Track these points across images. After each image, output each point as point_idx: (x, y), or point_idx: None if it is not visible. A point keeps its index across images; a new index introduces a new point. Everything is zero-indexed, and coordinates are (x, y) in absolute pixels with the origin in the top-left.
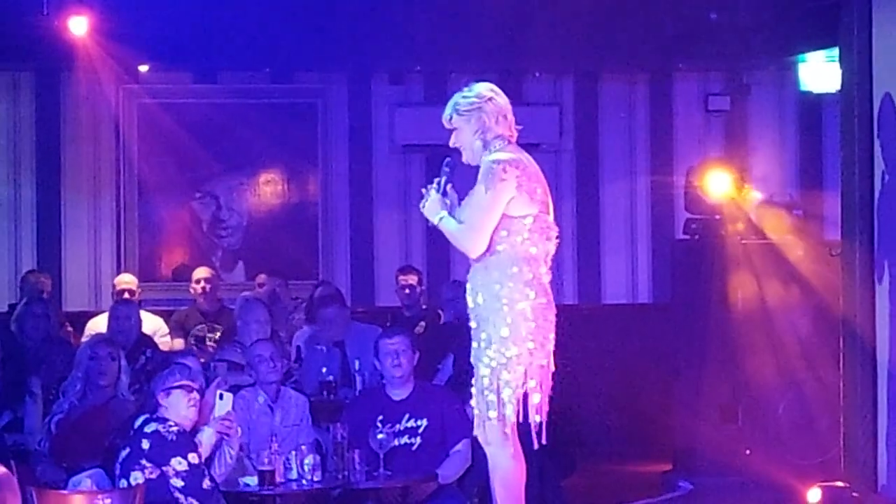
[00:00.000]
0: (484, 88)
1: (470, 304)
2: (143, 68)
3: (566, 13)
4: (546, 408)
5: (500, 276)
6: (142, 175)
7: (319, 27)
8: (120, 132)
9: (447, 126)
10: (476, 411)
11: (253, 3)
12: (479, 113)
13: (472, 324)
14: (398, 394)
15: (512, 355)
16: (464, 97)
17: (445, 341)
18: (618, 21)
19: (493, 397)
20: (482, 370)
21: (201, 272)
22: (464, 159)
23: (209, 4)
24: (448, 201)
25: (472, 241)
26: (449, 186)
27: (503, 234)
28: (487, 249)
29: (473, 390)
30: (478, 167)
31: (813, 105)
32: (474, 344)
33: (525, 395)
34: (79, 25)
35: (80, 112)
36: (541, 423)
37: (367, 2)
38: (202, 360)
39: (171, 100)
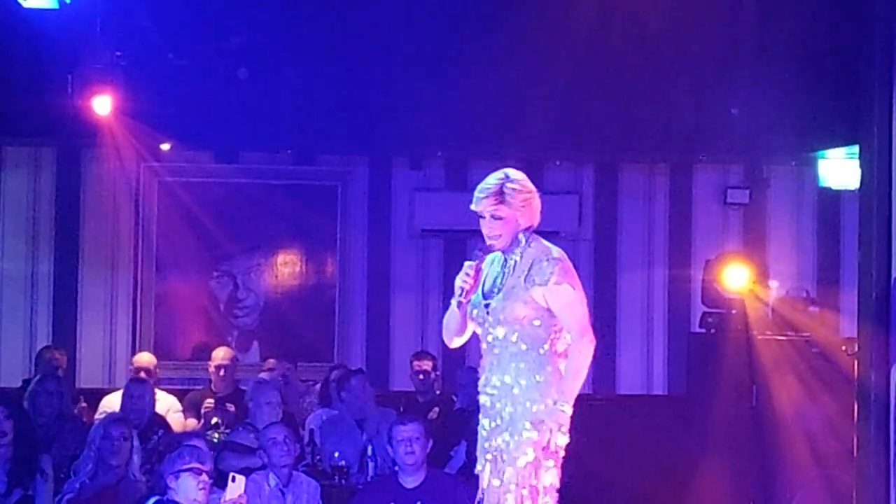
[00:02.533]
0: (524, 178)
1: (496, 383)
2: (165, 147)
3: (588, 103)
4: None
5: (542, 370)
6: (160, 253)
7: (342, 111)
8: (139, 210)
9: (487, 211)
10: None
11: (275, 86)
12: (530, 208)
13: (497, 406)
14: (410, 481)
15: (528, 446)
16: (513, 187)
17: (459, 428)
18: (638, 112)
19: (497, 482)
20: (495, 458)
21: (220, 357)
22: (498, 246)
23: (232, 86)
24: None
25: (590, 337)
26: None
27: (551, 333)
28: (534, 345)
29: (484, 474)
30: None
31: (832, 201)
32: (495, 435)
33: (534, 490)
34: (103, 105)
35: (100, 189)
36: None
37: (389, 87)
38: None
39: (192, 178)
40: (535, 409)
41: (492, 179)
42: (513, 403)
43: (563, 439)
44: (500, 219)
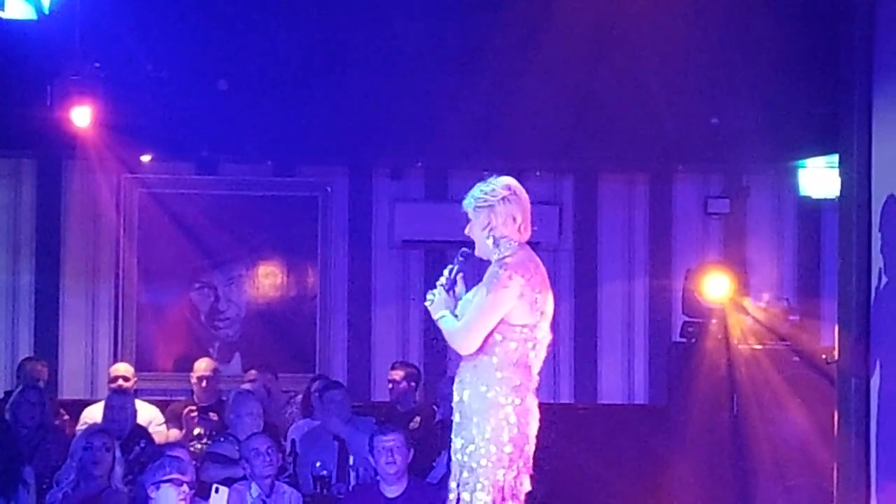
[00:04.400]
0: (502, 185)
1: (455, 398)
2: (145, 159)
3: (567, 114)
4: None
5: (489, 378)
6: (141, 265)
7: (322, 121)
8: (120, 221)
9: (467, 213)
10: None
11: (255, 97)
12: (489, 211)
13: (456, 418)
14: (392, 491)
15: (491, 458)
16: (482, 190)
17: (440, 438)
18: (618, 122)
19: (467, 496)
20: (459, 468)
21: (202, 368)
22: (476, 252)
23: (212, 97)
24: (458, 289)
25: (464, 340)
26: (460, 276)
27: (498, 338)
28: (480, 350)
29: (452, 485)
30: (488, 261)
31: (812, 210)
32: (457, 440)
33: (504, 498)
34: (82, 117)
35: (80, 200)
36: None
37: (369, 98)
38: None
39: (172, 190)
40: (476, 420)
41: None
42: (461, 410)
43: (508, 434)
44: (469, 221)
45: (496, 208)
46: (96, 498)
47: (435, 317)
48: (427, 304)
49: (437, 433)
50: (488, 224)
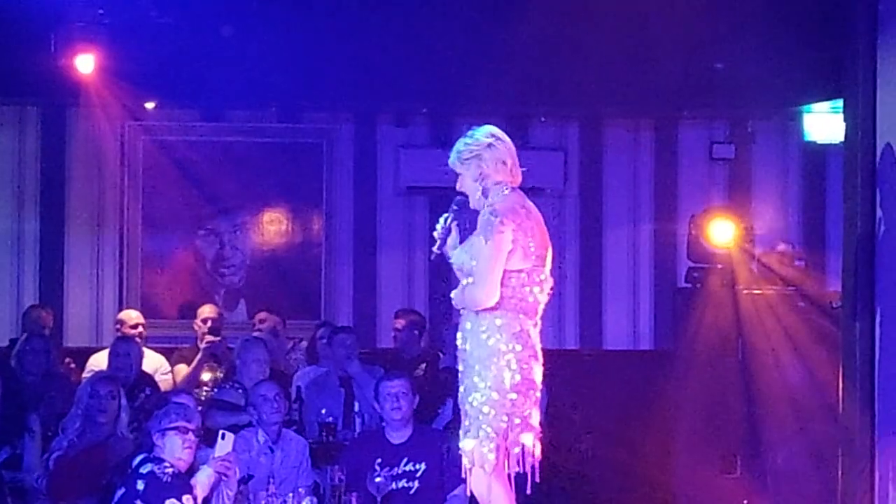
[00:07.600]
0: (483, 134)
1: (459, 347)
2: (150, 105)
3: (572, 59)
4: (532, 458)
5: (489, 326)
6: (146, 212)
7: (327, 68)
8: (125, 168)
9: (454, 170)
10: (465, 460)
11: (260, 43)
12: (478, 160)
13: (460, 367)
14: (397, 437)
15: (494, 405)
16: (465, 143)
17: (445, 385)
18: (623, 68)
19: (469, 444)
20: (463, 416)
21: (207, 312)
22: (470, 204)
23: (216, 43)
24: (452, 239)
25: (483, 294)
26: (454, 224)
27: None
28: None
29: (461, 433)
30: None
31: (817, 155)
32: (461, 388)
33: (508, 445)
34: (85, 63)
35: (85, 148)
36: (524, 474)
37: (374, 44)
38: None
39: (177, 137)
40: (478, 368)
41: None
42: (464, 359)
43: (510, 381)
44: (458, 174)
45: (484, 156)
46: (102, 445)
47: (466, 268)
48: (444, 250)
49: (442, 380)
50: (480, 173)
